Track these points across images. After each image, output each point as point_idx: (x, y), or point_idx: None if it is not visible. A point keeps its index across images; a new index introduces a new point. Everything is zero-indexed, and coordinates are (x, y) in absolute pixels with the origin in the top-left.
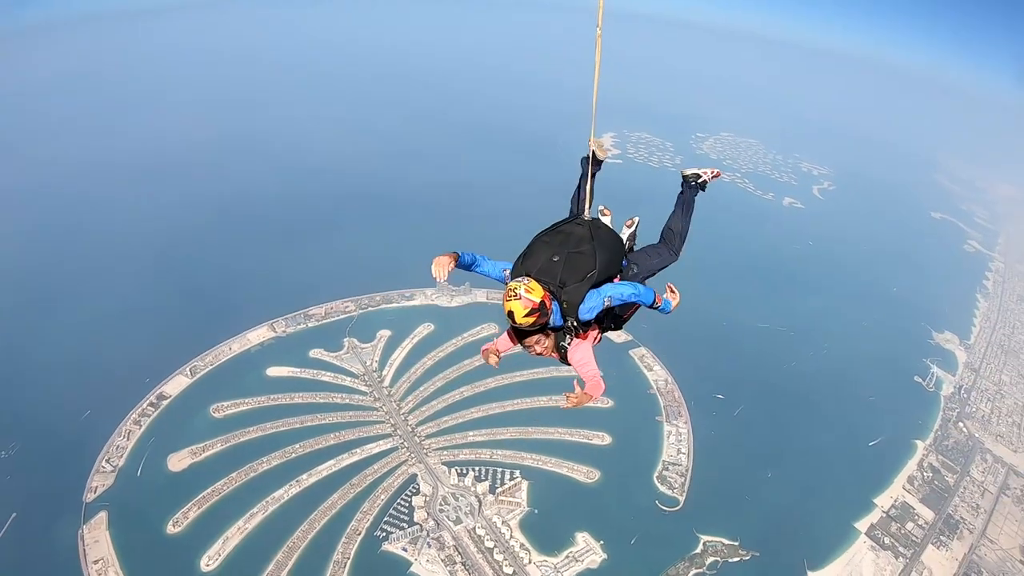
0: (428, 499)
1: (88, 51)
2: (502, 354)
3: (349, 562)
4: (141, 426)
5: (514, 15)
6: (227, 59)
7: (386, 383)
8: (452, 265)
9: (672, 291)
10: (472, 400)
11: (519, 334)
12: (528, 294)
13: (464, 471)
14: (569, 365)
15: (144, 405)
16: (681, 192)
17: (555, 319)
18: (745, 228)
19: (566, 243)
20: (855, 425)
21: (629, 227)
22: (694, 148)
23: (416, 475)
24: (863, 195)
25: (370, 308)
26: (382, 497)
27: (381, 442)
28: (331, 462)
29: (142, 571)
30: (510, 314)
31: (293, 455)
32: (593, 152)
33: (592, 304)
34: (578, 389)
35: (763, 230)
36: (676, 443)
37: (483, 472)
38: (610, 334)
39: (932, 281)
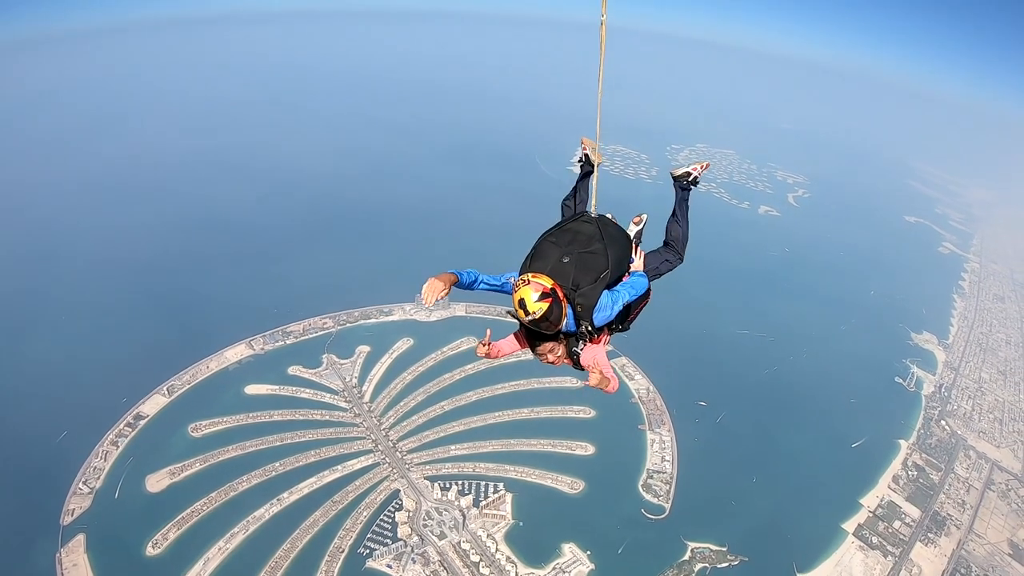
0: (411, 514)
1: (73, 67)
2: (502, 355)
3: None
4: (118, 447)
5: (499, 32)
6: (204, 76)
7: (366, 399)
8: (446, 292)
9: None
10: (453, 414)
11: (531, 338)
12: (537, 279)
13: (447, 485)
14: (582, 370)
15: (121, 425)
16: (676, 193)
17: (569, 324)
18: (722, 237)
19: (575, 242)
20: (838, 427)
21: (636, 224)
22: (669, 160)
23: (399, 490)
24: (838, 201)
25: (348, 324)
26: (365, 513)
27: (362, 458)
28: (312, 479)
29: None
30: (521, 303)
31: (273, 473)
32: (586, 155)
33: (606, 308)
34: (597, 371)
35: (740, 238)
36: (660, 451)
37: (466, 486)
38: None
39: (909, 283)
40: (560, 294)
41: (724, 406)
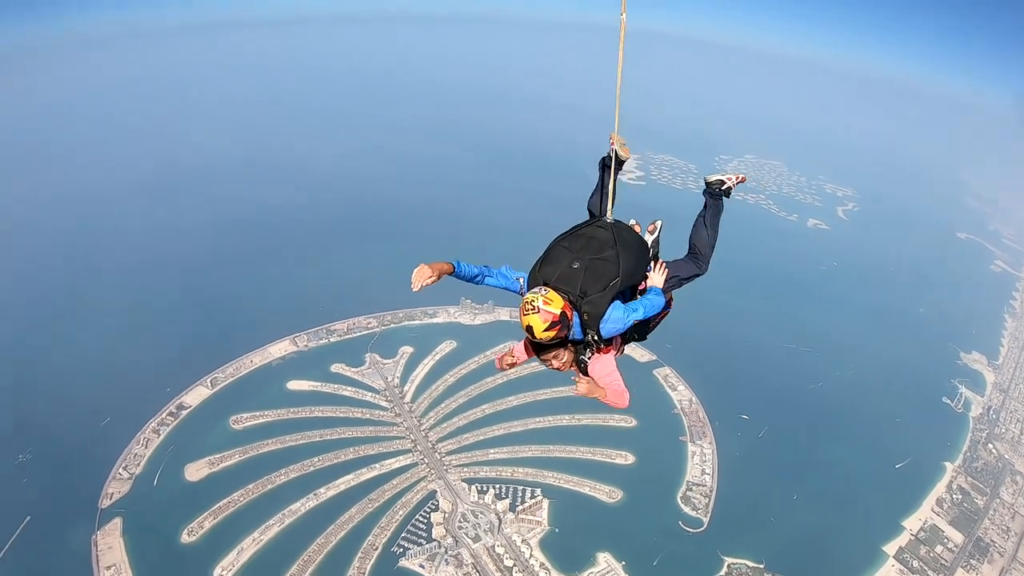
0: (447, 516)
1: (127, 66)
2: (517, 364)
3: None
4: (160, 435)
5: (525, 35)
6: (252, 79)
7: (407, 399)
8: (434, 278)
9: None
10: (494, 417)
11: (537, 348)
12: (547, 306)
13: (484, 488)
14: (589, 379)
15: (164, 414)
16: (706, 200)
17: (575, 332)
18: (770, 249)
19: (587, 248)
20: (882, 447)
21: (652, 232)
22: (718, 170)
23: (436, 491)
24: (888, 216)
25: (392, 324)
26: (400, 513)
27: (401, 457)
28: (349, 476)
29: None
30: (528, 329)
31: (311, 468)
32: (615, 151)
33: (616, 321)
34: (586, 379)
35: (788, 251)
36: (700, 463)
37: (504, 490)
38: (634, 352)
39: (959, 301)
40: (569, 314)
41: (767, 420)
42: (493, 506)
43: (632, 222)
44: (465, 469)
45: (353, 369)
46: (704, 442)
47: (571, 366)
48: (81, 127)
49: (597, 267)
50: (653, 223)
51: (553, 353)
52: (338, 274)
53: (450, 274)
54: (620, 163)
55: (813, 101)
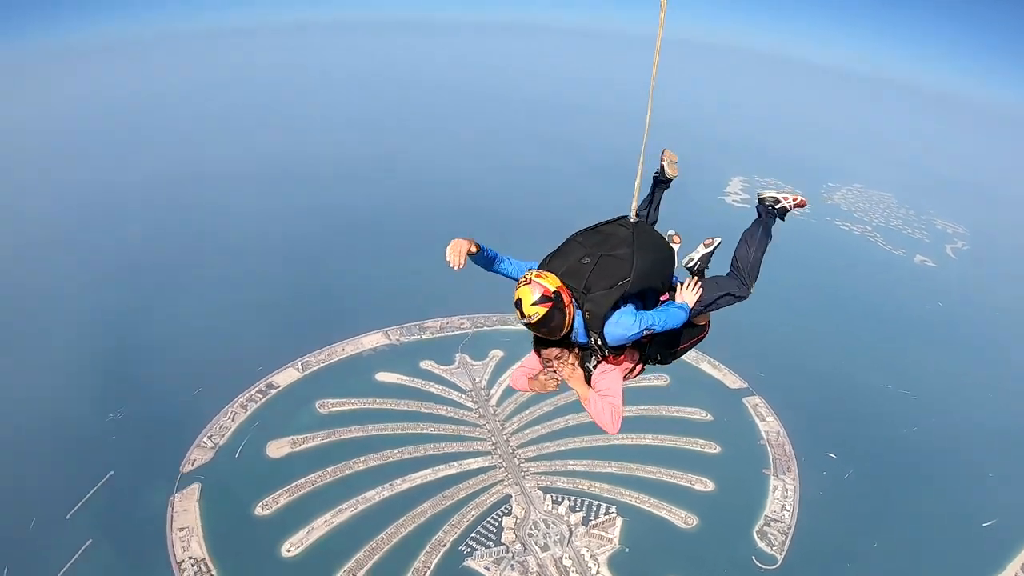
0: (519, 522)
1: (237, 62)
2: (538, 371)
3: (429, 572)
4: (247, 410)
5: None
6: (355, 80)
7: (493, 402)
8: (473, 248)
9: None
10: (576, 429)
11: (537, 345)
12: (540, 279)
13: (559, 499)
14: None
15: (253, 391)
16: (757, 216)
17: (579, 334)
18: (874, 284)
19: (602, 245)
20: (971, 502)
21: (707, 246)
22: (824, 197)
23: (510, 496)
24: (998, 257)
25: (485, 327)
26: (473, 513)
27: (480, 459)
28: (427, 471)
29: (224, 545)
30: (518, 303)
31: (390, 459)
32: (663, 167)
33: (624, 326)
34: (544, 377)
35: (892, 287)
36: (781, 499)
37: (578, 503)
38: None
39: None
40: (566, 299)
41: (854, 461)
42: (566, 517)
43: (670, 232)
44: (542, 477)
45: (442, 367)
46: (787, 477)
47: (577, 375)
48: (196, 117)
49: (607, 264)
50: (711, 239)
51: (555, 351)
52: (435, 273)
53: (474, 254)
54: (668, 180)
55: (929, 131)
